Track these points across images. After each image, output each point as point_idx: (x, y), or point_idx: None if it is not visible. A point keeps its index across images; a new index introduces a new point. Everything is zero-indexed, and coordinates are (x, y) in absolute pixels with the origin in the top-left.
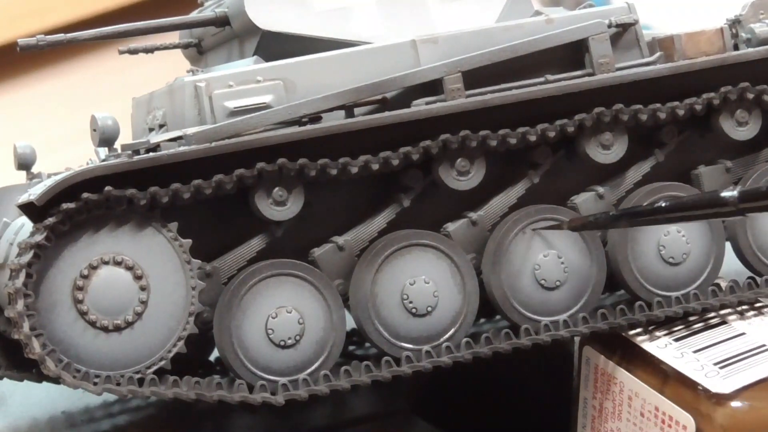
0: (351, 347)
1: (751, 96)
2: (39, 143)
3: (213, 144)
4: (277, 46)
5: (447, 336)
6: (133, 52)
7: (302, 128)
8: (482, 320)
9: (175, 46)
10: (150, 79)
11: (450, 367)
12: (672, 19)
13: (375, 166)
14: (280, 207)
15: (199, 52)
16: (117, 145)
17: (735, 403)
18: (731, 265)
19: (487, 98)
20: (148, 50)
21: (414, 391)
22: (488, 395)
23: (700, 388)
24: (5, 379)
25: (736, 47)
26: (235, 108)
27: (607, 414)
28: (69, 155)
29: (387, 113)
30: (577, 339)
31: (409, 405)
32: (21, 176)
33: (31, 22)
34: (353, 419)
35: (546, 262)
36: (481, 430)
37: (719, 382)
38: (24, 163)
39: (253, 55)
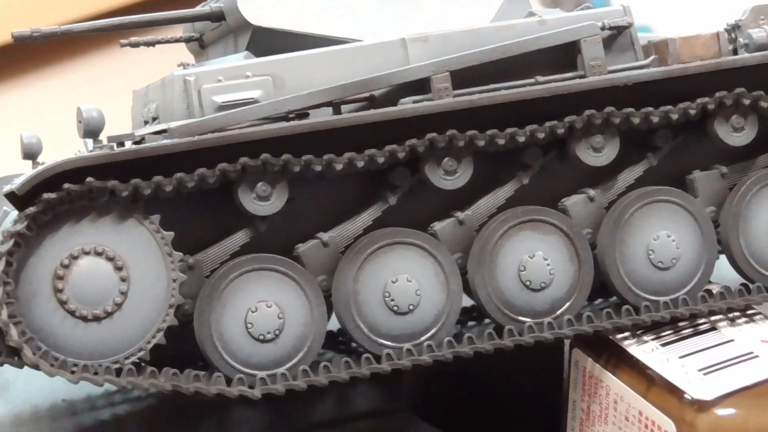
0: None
1: (747, 102)
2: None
3: (196, 138)
4: (268, 41)
5: (429, 335)
6: (135, 45)
7: (286, 124)
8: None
9: (176, 40)
10: (152, 76)
11: (449, 367)
12: (677, 21)
13: (360, 164)
14: (263, 202)
15: (200, 46)
16: (105, 136)
17: (717, 410)
18: (731, 271)
19: (475, 98)
20: (150, 44)
21: (414, 390)
22: (486, 395)
23: (682, 393)
24: (6, 366)
25: (735, 52)
26: (223, 102)
27: (595, 417)
28: (69, 155)
29: (372, 111)
30: (567, 341)
31: (409, 404)
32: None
33: (30, 23)
34: (353, 416)
35: (531, 263)
36: (479, 430)
37: (701, 388)
38: (30, 153)
39: (246, 50)
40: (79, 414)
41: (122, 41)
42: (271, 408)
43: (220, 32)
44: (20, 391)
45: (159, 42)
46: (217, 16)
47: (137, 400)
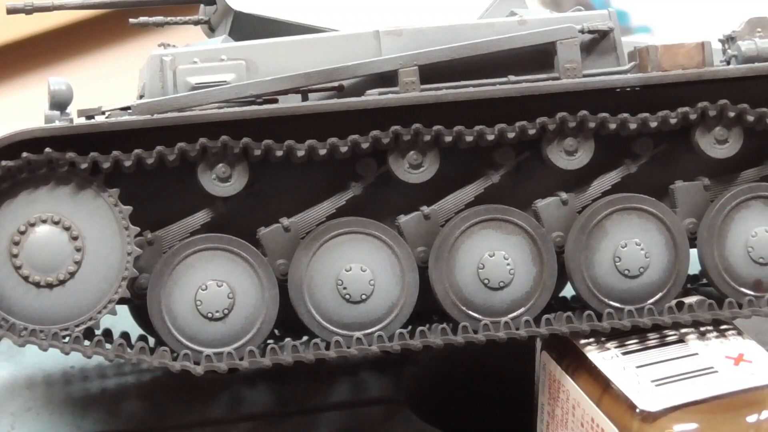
0: None
1: (731, 114)
2: None
3: (155, 116)
4: (248, 27)
5: (381, 326)
6: (144, 24)
7: (244, 108)
8: None
9: (185, 22)
10: None
11: (449, 366)
12: (680, 25)
13: (322, 152)
14: (223, 183)
15: (210, 29)
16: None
17: (662, 423)
18: None
19: (440, 93)
20: (158, 24)
21: (412, 386)
22: (482, 394)
23: (629, 403)
24: None
25: (728, 64)
26: (196, 84)
27: (558, 421)
28: None
29: (335, 100)
30: (538, 344)
31: (406, 398)
32: None
33: (30, 23)
34: (362, 401)
35: (491, 261)
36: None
37: (648, 400)
38: (58, 102)
39: (228, 34)
40: (91, 379)
41: (131, 20)
42: (278, 390)
43: (219, 16)
44: (32, 356)
45: (168, 23)
46: (209, 0)
47: (146, 371)
